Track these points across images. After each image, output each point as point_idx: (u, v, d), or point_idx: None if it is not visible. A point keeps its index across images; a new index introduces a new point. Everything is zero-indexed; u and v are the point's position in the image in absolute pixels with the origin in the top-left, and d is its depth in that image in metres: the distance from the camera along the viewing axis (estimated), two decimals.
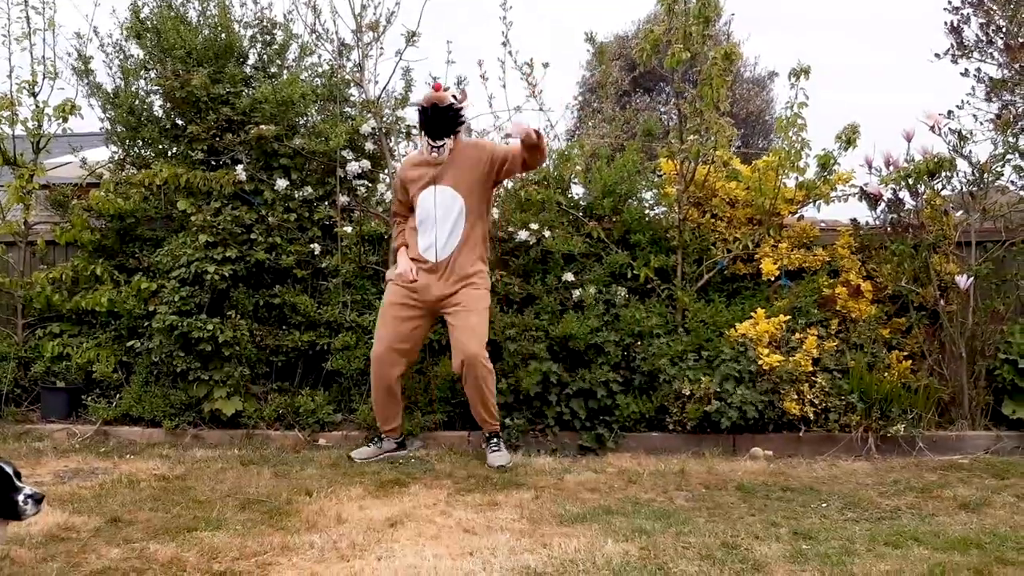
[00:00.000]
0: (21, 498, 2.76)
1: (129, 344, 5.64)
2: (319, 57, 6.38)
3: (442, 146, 4.62)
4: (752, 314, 5.26)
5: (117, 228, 5.99)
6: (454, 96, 4.65)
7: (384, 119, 5.88)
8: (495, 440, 4.76)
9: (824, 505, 3.84)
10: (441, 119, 4.61)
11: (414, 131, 6.00)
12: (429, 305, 4.75)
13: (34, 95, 6.09)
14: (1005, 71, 5.86)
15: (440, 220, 4.67)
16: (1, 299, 6.14)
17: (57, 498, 3.86)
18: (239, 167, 5.70)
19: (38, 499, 2.79)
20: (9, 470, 2.77)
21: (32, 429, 5.45)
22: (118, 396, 5.56)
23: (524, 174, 5.92)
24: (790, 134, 5.54)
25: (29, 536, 3.25)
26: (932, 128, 5.36)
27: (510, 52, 5.89)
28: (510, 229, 5.64)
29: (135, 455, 4.91)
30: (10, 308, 6.10)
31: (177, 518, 3.58)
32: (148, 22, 6.13)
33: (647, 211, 5.92)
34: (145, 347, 5.53)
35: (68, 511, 3.64)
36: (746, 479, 4.29)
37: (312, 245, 5.73)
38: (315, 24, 6.06)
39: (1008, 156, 5.46)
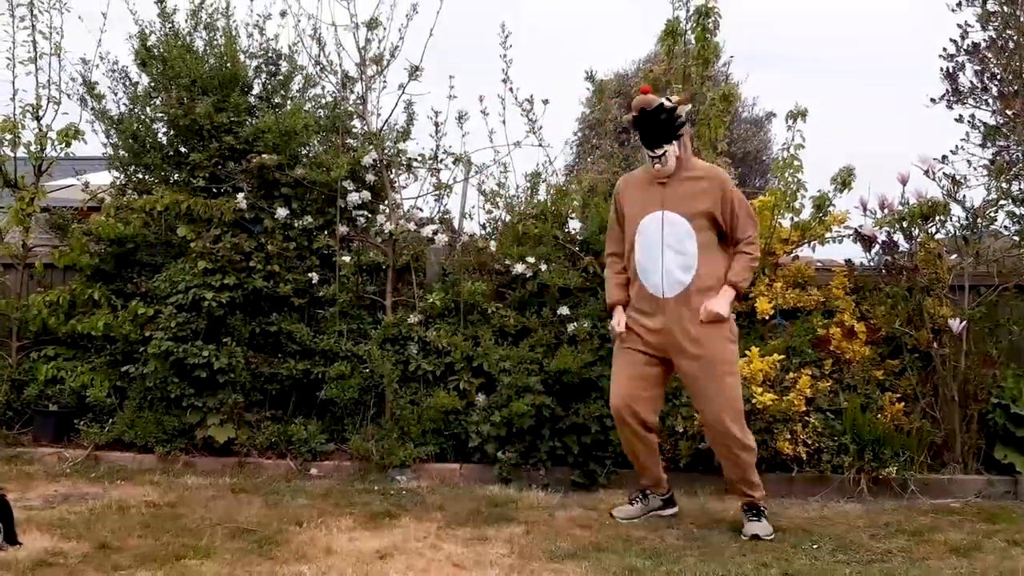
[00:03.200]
0: None
1: (124, 369, 5.63)
2: (323, 89, 6.47)
3: (663, 154, 4.01)
4: (746, 352, 5.27)
5: (116, 253, 6.00)
6: (668, 98, 4.08)
7: (386, 151, 5.94)
8: (754, 511, 4.11)
9: (815, 547, 3.83)
10: (653, 124, 4.02)
11: (415, 163, 6.07)
12: (659, 350, 4.14)
13: (38, 119, 6.14)
14: (999, 118, 5.93)
15: (667, 250, 4.05)
16: None
17: (46, 523, 3.84)
18: (240, 195, 5.75)
19: None
20: None
21: (23, 452, 5.43)
22: (111, 421, 5.54)
23: (522, 208, 5.98)
24: (786, 175, 5.60)
25: (16, 561, 3.23)
26: (926, 172, 5.42)
27: (511, 89, 5.96)
28: (507, 262, 5.67)
29: (126, 481, 4.89)
30: (5, 330, 6.10)
31: (166, 546, 3.56)
32: (155, 50, 6.20)
33: None
34: (140, 372, 5.52)
35: (56, 536, 3.62)
36: (738, 518, 4.26)
37: (310, 274, 5.75)
38: (319, 56, 6.14)
39: (1002, 202, 5.52)
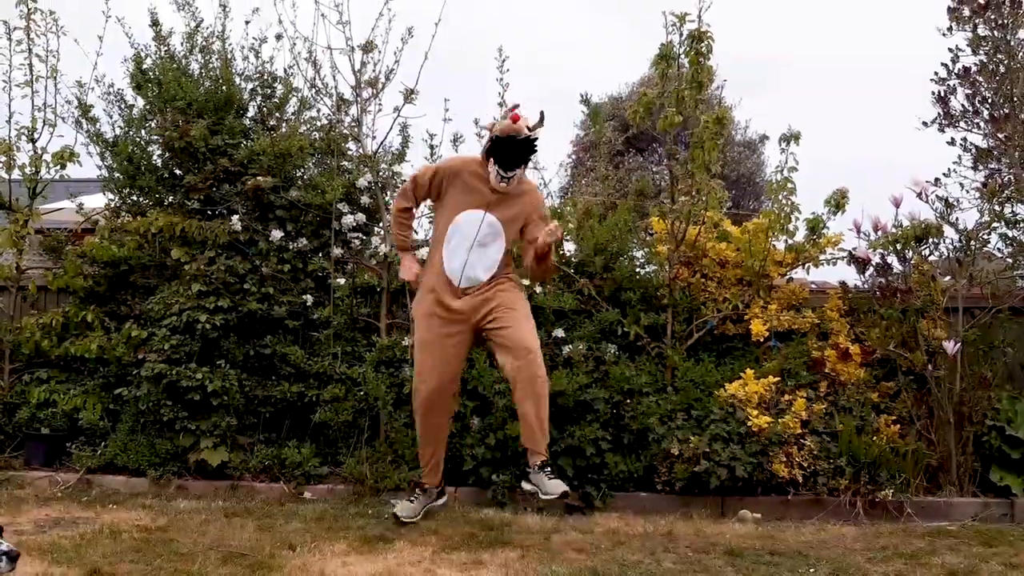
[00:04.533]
0: None
1: (117, 392, 5.61)
2: (318, 111, 6.49)
3: (511, 177, 4.31)
4: (741, 374, 5.27)
5: (110, 275, 6.00)
6: (529, 127, 4.32)
7: (380, 173, 5.95)
8: (549, 467, 4.34)
9: (812, 570, 3.81)
10: (516, 151, 4.29)
11: None
12: (462, 321, 4.40)
13: (33, 141, 6.14)
14: (990, 140, 5.98)
15: (477, 247, 4.34)
16: None
17: (37, 548, 3.80)
18: (235, 217, 5.75)
19: (13, 557, 2.76)
20: None
21: (14, 476, 5.38)
22: (103, 444, 5.50)
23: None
24: (780, 197, 5.62)
25: None
26: (919, 195, 5.45)
27: None
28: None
29: (118, 505, 4.85)
30: None
31: (158, 571, 3.53)
32: (150, 73, 6.23)
33: (638, 269, 5.98)
34: (133, 395, 5.49)
35: (47, 562, 3.58)
36: (734, 542, 4.25)
37: (305, 296, 5.75)
38: (315, 79, 6.16)
39: (994, 224, 5.55)
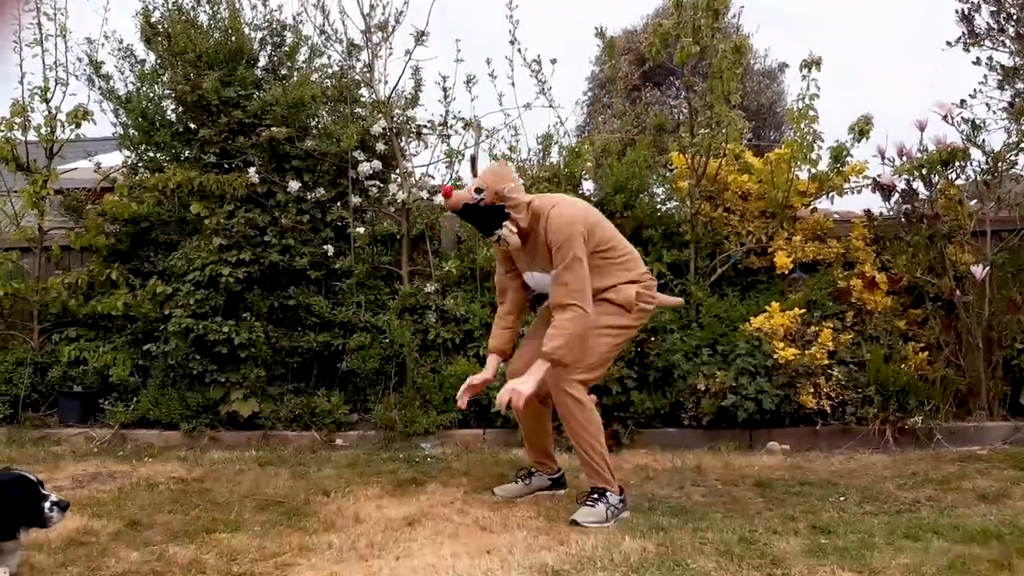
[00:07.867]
0: (47, 505, 2.84)
1: (145, 348, 5.68)
2: (329, 58, 6.41)
3: (498, 240, 3.77)
4: (767, 308, 5.23)
5: (131, 232, 6.02)
6: (478, 189, 3.70)
7: (394, 119, 5.89)
8: (594, 495, 3.65)
9: (842, 499, 3.82)
10: (473, 219, 3.83)
11: (425, 130, 6.02)
12: None
13: (47, 101, 6.12)
14: (1017, 59, 5.81)
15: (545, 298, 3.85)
16: (17, 305, 6.16)
17: (76, 502, 3.86)
18: (251, 170, 5.73)
19: (63, 506, 2.86)
20: (34, 479, 2.83)
21: (50, 434, 5.49)
22: (135, 400, 5.59)
23: (534, 171, 5.91)
24: (802, 126, 5.52)
25: (48, 541, 3.26)
26: (945, 118, 5.31)
27: (518, 50, 5.89)
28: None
29: (153, 458, 4.94)
30: (26, 314, 6.14)
31: (196, 520, 3.59)
32: (159, 26, 6.16)
33: (659, 206, 5.92)
34: (161, 350, 5.56)
35: (87, 515, 3.66)
36: (763, 473, 4.27)
37: (325, 246, 5.75)
38: (324, 25, 6.10)
39: (1022, 145, 5.41)
